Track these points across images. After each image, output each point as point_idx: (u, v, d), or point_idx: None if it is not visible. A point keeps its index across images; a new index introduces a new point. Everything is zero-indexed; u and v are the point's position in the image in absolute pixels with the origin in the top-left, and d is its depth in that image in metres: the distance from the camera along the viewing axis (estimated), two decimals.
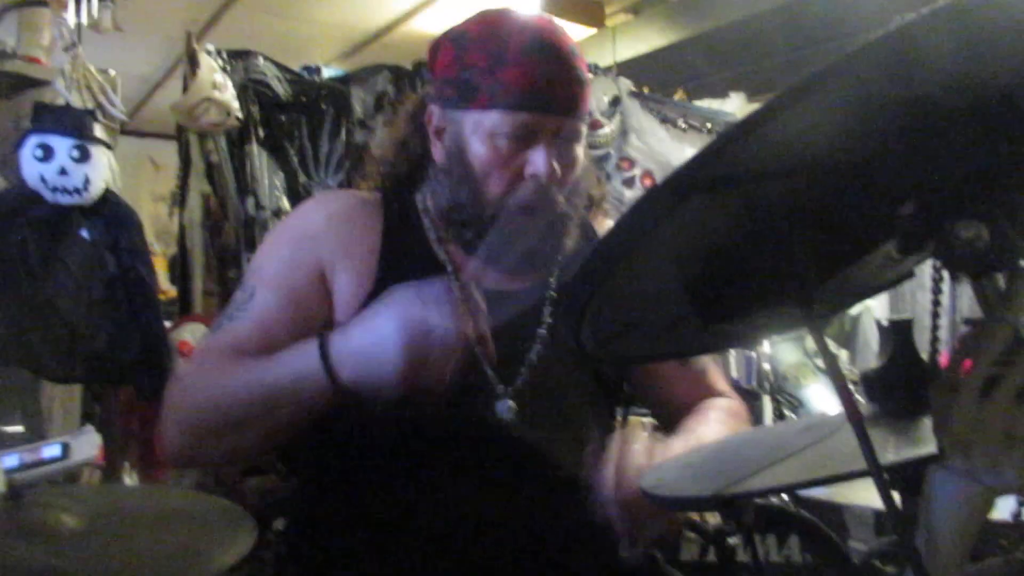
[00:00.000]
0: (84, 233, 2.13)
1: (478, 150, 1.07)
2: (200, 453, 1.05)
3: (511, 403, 1.06)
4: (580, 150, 1.11)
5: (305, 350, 0.95)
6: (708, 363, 1.25)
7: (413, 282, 0.94)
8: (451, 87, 1.08)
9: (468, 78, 1.06)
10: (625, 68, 3.40)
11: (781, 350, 2.76)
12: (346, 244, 1.11)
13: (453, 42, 1.10)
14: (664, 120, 3.17)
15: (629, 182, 3.04)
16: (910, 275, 0.68)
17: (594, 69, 3.12)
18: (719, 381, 1.24)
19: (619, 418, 1.28)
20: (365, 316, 0.94)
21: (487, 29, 1.08)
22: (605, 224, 1.25)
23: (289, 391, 0.96)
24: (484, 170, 1.07)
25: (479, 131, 1.06)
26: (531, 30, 1.06)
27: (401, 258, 1.11)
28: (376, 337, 0.91)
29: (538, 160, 1.05)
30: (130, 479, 2.22)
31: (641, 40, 3.88)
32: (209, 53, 2.50)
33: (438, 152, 1.13)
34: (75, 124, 2.11)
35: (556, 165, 1.06)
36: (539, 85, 1.03)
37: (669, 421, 1.23)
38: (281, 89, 2.66)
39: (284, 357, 0.98)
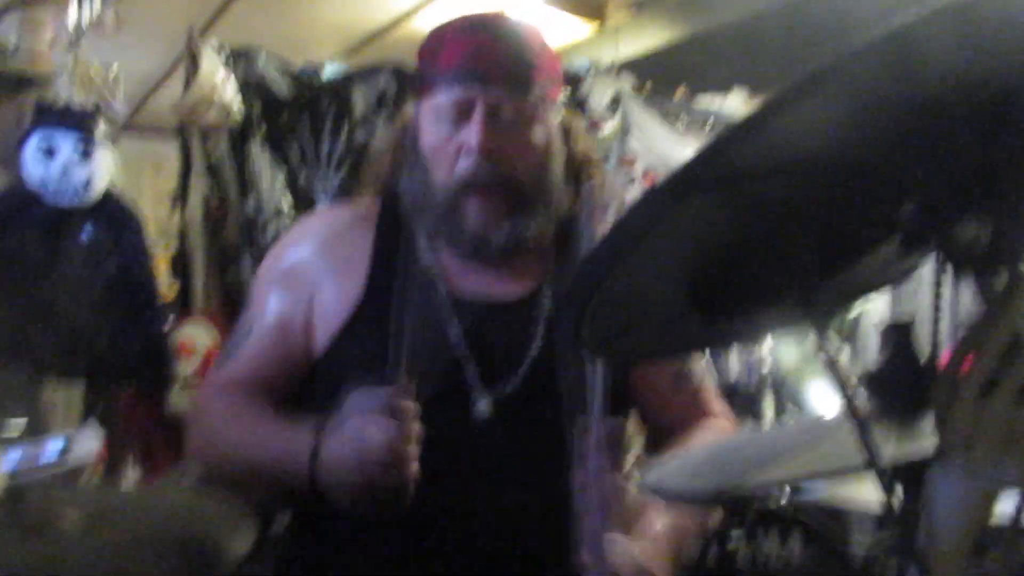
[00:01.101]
0: (85, 232, 2.13)
1: (426, 134, 1.09)
2: (215, 475, 1.15)
3: (486, 405, 1.06)
4: (537, 131, 1.10)
5: (300, 446, 1.00)
6: (704, 382, 1.25)
7: (359, 393, 0.98)
8: (415, 82, 1.14)
9: (421, 68, 1.11)
10: (626, 66, 3.39)
11: (782, 350, 2.77)
12: (332, 265, 1.13)
13: (421, 44, 1.14)
14: (665, 118, 3.17)
15: (630, 180, 3.04)
16: (911, 273, 0.68)
17: (595, 68, 3.11)
18: (713, 400, 1.24)
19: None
20: (338, 436, 0.98)
21: (440, 27, 1.11)
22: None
23: (279, 474, 1.04)
24: (430, 154, 1.09)
25: (427, 113, 1.09)
26: (478, 17, 1.10)
27: (389, 268, 1.11)
28: (334, 458, 0.97)
29: (469, 134, 1.05)
30: (131, 477, 2.22)
31: (642, 38, 3.88)
32: (212, 51, 2.50)
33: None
34: (78, 123, 2.11)
35: (496, 141, 1.05)
36: (472, 60, 1.06)
37: (660, 436, 1.23)
38: (283, 87, 2.66)
39: (282, 439, 1.05)
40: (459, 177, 1.07)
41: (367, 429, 0.93)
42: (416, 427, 0.95)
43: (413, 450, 0.94)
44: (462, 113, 1.06)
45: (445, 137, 1.07)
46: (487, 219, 1.08)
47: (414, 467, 0.94)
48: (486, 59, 1.06)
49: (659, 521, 1.06)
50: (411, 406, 0.95)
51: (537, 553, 1.05)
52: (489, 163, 1.06)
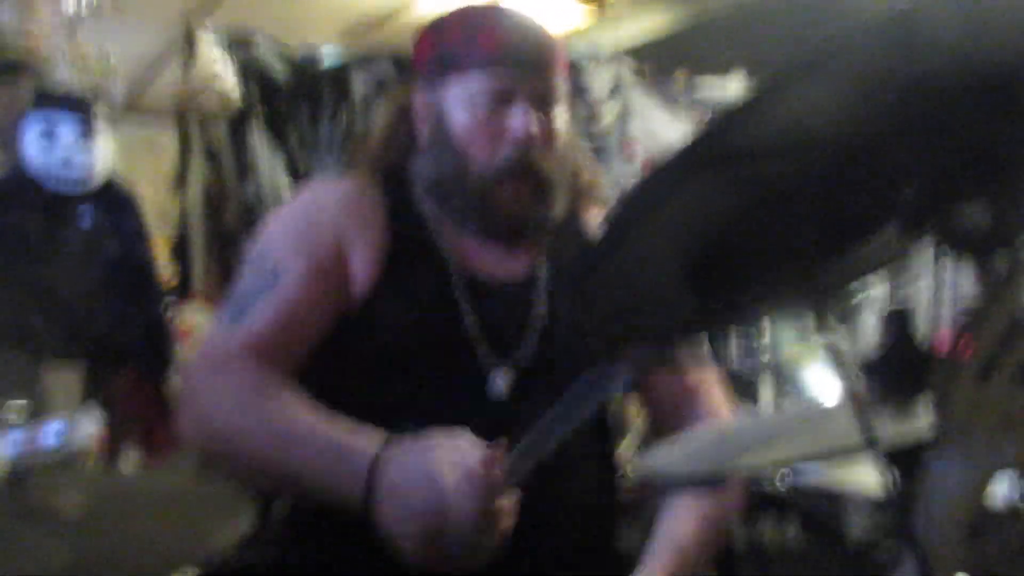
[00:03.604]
0: (85, 217, 2.13)
1: (459, 117, 1.08)
2: (212, 463, 1.04)
3: (503, 382, 1.07)
4: (562, 116, 1.12)
5: (353, 458, 0.91)
6: (705, 368, 1.24)
7: (451, 443, 0.90)
8: (431, 66, 1.11)
9: (446, 52, 1.10)
10: (626, 51, 3.38)
11: (781, 334, 2.77)
12: (358, 222, 1.10)
13: (432, 28, 1.14)
14: (666, 103, 3.16)
15: (630, 166, 3.04)
16: (909, 257, 0.68)
17: (595, 53, 3.10)
18: (714, 388, 1.23)
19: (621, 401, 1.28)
20: (405, 469, 0.89)
21: (462, 11, 1.12)
22: (595, 214, 1.24)
23: (319, 487, 0.94)
24: (466, 136, 1.08)
25: (459, 97, 1.08)
26: (500, 6, 1.11)
27: (405, 251, 1.10)
28: (400, 495, 0.88)
29: (519, 120, 1.06)
30: (131, 461, 2.23)
31: (643, 22, 3.86)
32: (210, 36, 2.49)
33: (423, 133, 1.13)
34: (78, 108, 2.11)
35: (537, 127, 1.07)
36: (514, 44, 1.07)
37: (661, 422, 1.23)
38: (282, 73, 2.65)
39: (328, 447, 0.93)
40: (502, 163, 1.07)
41: (450, 488, 0.86)
42: (506, 509, 0.88)
43: (497, 532, 0.87)
44: (502, 99, 1.07)
45: (483, 122, 1.07)
46: (523, 204, 1.10)
47: (495, 543, 0.87)
48: (526, 47, 1.08)
49: (666, 549, 1.05)
50: (505, 488, 0.88)
51: (557, 528, 1.06)
52: (531, 150, 1.07)
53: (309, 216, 1.11)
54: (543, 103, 1.09)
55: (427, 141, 1.13)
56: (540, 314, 1.11)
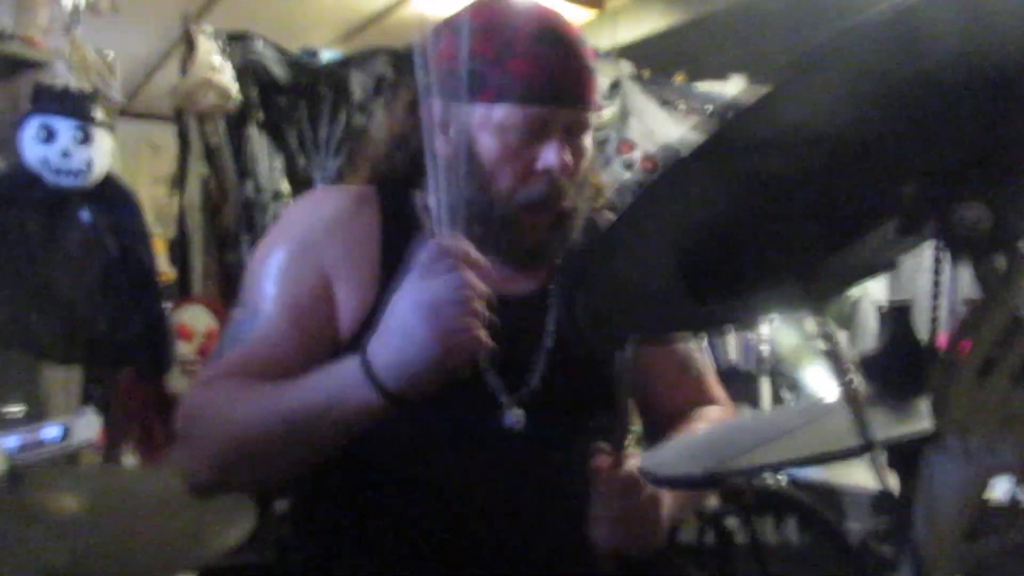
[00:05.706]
0: (84, 216, 2.12)
1: (487, 144, 1.03)
2: (227, 484, 1.00)
3: (518, 413, 1.04)
4: (589, 141, 1.08)
5: (344, 368, 0.89)
6: (705, 369, 1.24)
7: (408, 266, 0.88)
8: (454, 79, 1.03)
9: (473, 70, 1.01)
10: (625, 51, 3.38)
11: (780, 332, 2.77)
12: (347, 250, 1.07)
13: (453, 31, 1.05)
14: (664, 103, 3.16)
15: (629, 165, 3.04)
16: (905, 256, 0.68)
17: (594, 52, 3.11)
18: (714, 388, 1.23)
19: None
20: (385, 321, 0.88)
21: (490, 18, 1.04)
22: (608, 217, 1.22)
23: (330, 414, 0.91)
24: (494, 165, 1.03)
25: (488, 125, 1.02)
26: (536, 19, 1.04)
27: (403, 262, 1.04)
28: (403, 333, 0.85)
29: (551, 155, 1.02)
30: (130, 460, 2.23)
31: (642, 22, 3.86)
32: (208, 35, 2.49)
33: (442, 146, 1.05)
34: (77, 106, 2.11)
35: (568, 159, 1.03)
36: (550, 77, 1.01)
37: (661, 423, 1.22)
38: (280, 72, 2.65)
39: (318, 380, 0.92)
40: (531, 195, 1.04)
41: (425, 282, 0.85)
42: (473, 268, 0.86)
43: (479, 290, 0.85)
44: (537, 129, 1.02)
45: (513, 150, 1.02)
46: (544, 233, 1.07)
47: (484, 310, 0.85)
48: (565, 77, 1.02)
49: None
50: (462, 247, 0.87)
51: (561, 561, 1.05)
52: (561, 184, 1.03)
53: (295, 250, 1.07)
54: (574, 132, 1.04)
55: (449, 159, 1.03)
56: (549, 334, 1.09)
